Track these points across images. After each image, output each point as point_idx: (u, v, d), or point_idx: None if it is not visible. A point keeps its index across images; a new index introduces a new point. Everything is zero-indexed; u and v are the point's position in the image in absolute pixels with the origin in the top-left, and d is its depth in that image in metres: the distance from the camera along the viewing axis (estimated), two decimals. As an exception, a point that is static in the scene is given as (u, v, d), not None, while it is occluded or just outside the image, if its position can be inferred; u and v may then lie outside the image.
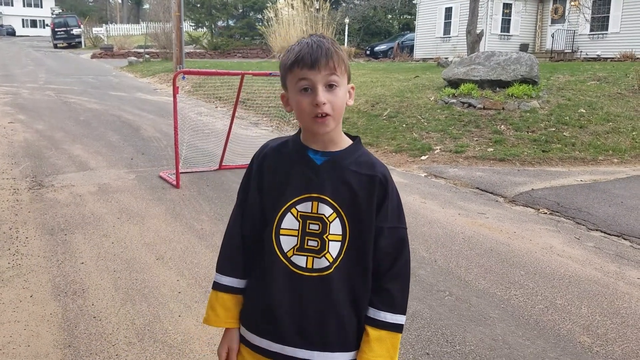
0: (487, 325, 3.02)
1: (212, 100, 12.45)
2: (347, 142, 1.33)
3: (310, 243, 1.29)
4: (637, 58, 17.21)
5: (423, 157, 7.52)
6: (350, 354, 1.32)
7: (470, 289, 3.49)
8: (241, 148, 6.67)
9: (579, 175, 6.65)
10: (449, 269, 3.79)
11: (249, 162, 1.42)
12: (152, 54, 25.18)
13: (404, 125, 8.99)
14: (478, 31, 15.55)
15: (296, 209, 1.29)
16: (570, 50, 20.98)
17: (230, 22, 34.91)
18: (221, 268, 1.40)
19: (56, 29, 35.45)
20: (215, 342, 2.75)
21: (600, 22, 20.30)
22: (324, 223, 1.28)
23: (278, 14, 23.49)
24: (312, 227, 1.29)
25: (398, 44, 27.50)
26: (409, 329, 2.90)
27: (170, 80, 13.78)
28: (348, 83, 1.30)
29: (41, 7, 58.12)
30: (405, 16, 34.13)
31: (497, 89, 9.85)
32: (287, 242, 1.30)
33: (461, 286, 3.52)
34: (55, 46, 34.87)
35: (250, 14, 34.55)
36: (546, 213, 5.26)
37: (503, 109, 9.05)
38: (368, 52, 28.33)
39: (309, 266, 1.29)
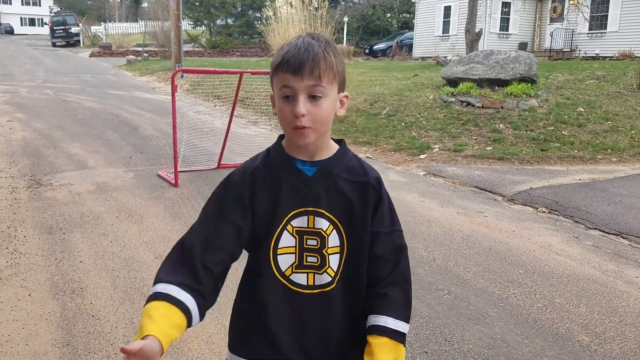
0: (485, 323, 3.02)
1: (211, 99, 12.44)
2: (334, 147, 1.26)
3: (310, 259, 1.23)
4: (636, 57, 17.21)
5: (422, 156, 7.52)
6: None
7: (469, 287, 3.49)
8: (240, 147, 6.67)
9: (577, 174, 6.66)
10: (447, 268, 3.79)
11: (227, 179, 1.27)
12: (150, 53, 25.15)
13: (403, 124, 9.00)
14: (477, 30, 15.55)
15: (292, 225, 1.22)
16: (568, 49, 20.99)
17: (229, 21, 34.85)
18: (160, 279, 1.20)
19: (55, 28, 35.39)
20: (214, 340, 2.75)
21: (599, 21, 20.31)
22: (322, 237, 1.22)
23: (277, 13, 23.46)
24: (310, 242, 1.22)
25: (397, 42, 27.49)
26: (407, 327, 2.90)
27: (168, 79, 13.75)
28: (342, 91, 1.23)
29: (40, 5, 58.00)
30: (404, 15, 34.11)
31: (496, 87, 9.86)
32: (285, 261, 1.23)
33: (460, 285, 3.52)
34: (54, 45, 34.80)
35: (249, 13, 34.50)
36: (545, 212, 5.26)
37: (502, 107, 9.06)
38: (367, 51, 28.31)
39: (310, 283, 1.23)
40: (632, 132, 8.27)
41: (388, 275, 1.25)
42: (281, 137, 1.29)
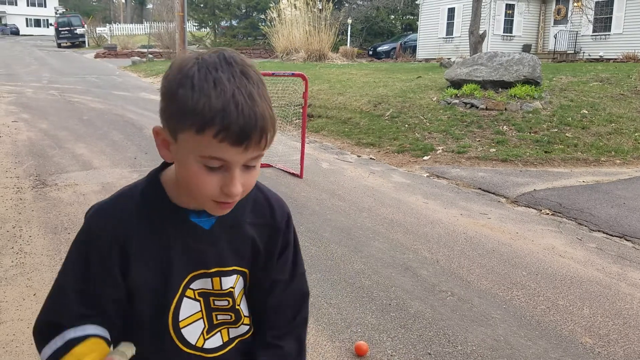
0: (489, 325, 3.03)
1: (215, 100, 12.45)
2: None
3: (221, 317, 1.03)
4: (640, 59, 17.19)
5: (425, 158, 7.52)
6: None
7: (472, 289, 3.49)
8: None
9: (581, 176, 6.65)
10: (451, 269, 3.79)
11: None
12: (155, 54, 25.26)
13: (407, 126, 9.00)
14: (481, 32, 15.54)
15: (192, 289, 0.98)
16: (572, 51, 20.95)
17: (234, 22, 34.95)
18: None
19: (60, 29, 35.56)
20: None
21: (603, 23, 20.27)
22: (232, 296, 1.02)
23: (281, 14, 23.52)
24: (219, 302, 1.01)
25: (400, 44, 27.53)
26: (410, 328, 2.91)
27: (173, 80, 13.78)
28: None
29: (45, 6, 58.35)
30: (408, 17, 34.13)
31: (500, 89, 9.85)
32: (193, 332, 1.00)
33: (463, 286, 3.52)
34: (59, 45, 34.98)
35: (254, 14, 34.58)
36: (548, 214, 5.26)
37: (505, 109, 9.05)
38: (370, 53, 28.36)
39: (225, 339, 1.04)
40: (636, 134, 8.26)
41: (286, 324, 1.09)
42: (156, 172, 0.98)
